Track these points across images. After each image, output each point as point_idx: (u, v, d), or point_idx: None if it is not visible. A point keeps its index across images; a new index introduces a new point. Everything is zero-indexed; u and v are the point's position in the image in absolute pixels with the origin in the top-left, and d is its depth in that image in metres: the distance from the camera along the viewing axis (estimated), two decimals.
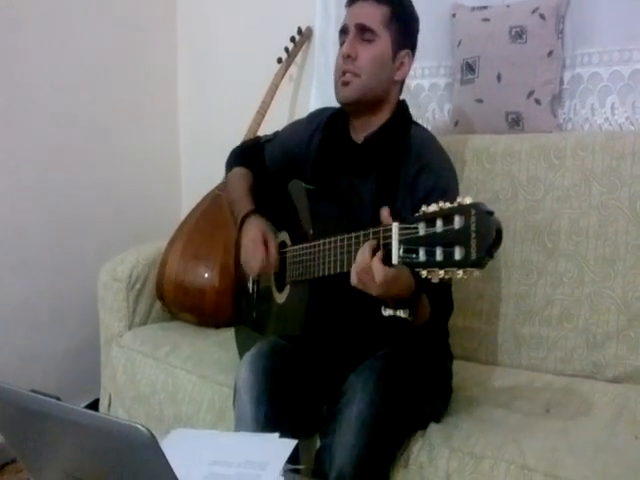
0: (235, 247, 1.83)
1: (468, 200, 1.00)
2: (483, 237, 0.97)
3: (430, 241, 1.05)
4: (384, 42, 1.60)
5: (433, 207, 1.06)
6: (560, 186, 1.89)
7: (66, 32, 2.55)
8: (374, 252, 1.20)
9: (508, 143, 2.00)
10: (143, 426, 0.85)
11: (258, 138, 2.00)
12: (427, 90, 2.34)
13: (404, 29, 1.64)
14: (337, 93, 1.64)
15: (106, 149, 2.75)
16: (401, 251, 1.11)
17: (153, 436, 0.85)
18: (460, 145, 2.05)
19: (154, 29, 2.96)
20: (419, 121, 1.84)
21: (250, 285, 1.89)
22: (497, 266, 1.95)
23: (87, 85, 2.65)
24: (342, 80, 1.61)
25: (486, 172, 2.01)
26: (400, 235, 1.12)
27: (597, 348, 1.82)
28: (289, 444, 1.30)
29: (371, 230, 1.23)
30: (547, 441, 1.45)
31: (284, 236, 1.72)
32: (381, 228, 1.20)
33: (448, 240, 1.01)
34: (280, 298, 1.69)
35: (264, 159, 1.89)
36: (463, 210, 1.00)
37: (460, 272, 1.01)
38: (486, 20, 2.10)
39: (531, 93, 2.03)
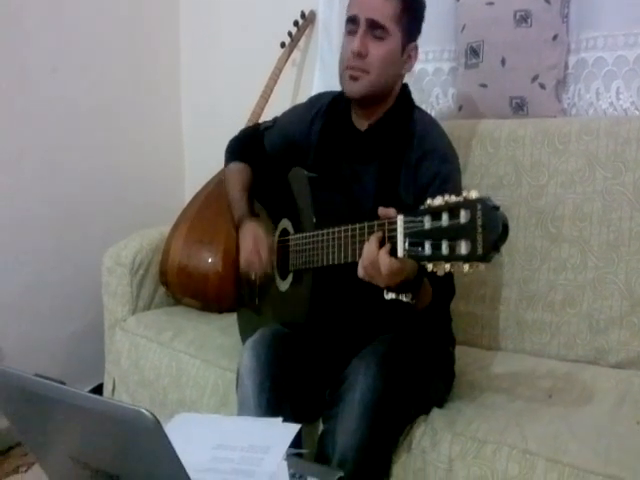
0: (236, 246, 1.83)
1: (474, 194, 1.00)
2: (490, 231, 0.97)
3: (436, 234, 1.04)
4: (395, 39, 1.56)
5: (439, 200, 1.05)
6: (564, 171, 1.89)
7: (68, 17, 2.54)
8: (380, 244, 1.20)
9: (512, 128, 1.99)
10: (147, 410, 0.85)
11: (257, 125, 1.99)
12: (431, 74, 2.33)
13: (414, 22, 1.60)
14: (344, 86, 1.62)
15: (109, 134, 2.75)
16: (406, 244, 1.11)
17: (157, 420, 0.85)
18: (464, 130, 2.04)
19: (156, 13, 2.95)
20: (423, 106, 1.83)
21: (253, 277, 1.88)
22: (500, 251, 1.94)
23: (89, 70, 2.64)
24: (350, 74, 1.58)
25: (490, 157, 2.00)
26: (405, 228, 1.12)
27: (600, 334, 1.82)
28: (292, 428, 1.30)
29: (376, 222, 1.23)
30: (549, 426, 1.46)
31: (286, 223, 1.72)
32: (386, 220, 1.19)
33: (454, 234, 1.01)
34: (283, 286, 1.69)
35: (264, 147, 1.88)
36: (469, 204, 0.99)
37: (466, 266, 1.01)
38: (490, 4, 2.09)
39: (535, 77, 2.02)
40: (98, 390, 2.48)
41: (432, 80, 2.33)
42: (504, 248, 1.94)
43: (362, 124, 1.67)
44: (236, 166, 1.90)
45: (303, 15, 2.59)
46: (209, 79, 2.98)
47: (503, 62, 2.06)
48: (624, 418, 1.50)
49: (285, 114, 1.91)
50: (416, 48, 1.63)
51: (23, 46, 2.41)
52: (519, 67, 2.04)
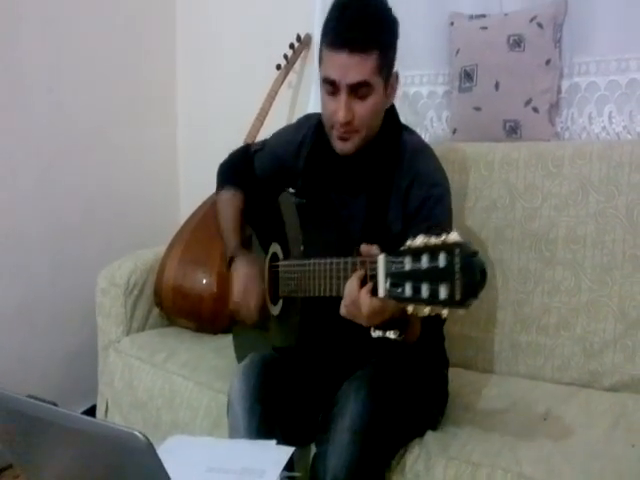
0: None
1: (453, 237, 0.99)
2: (467, 278, 0.97)
3: (416, 276, 1.04)
4: (378, 88, 1.49)
5: (419, 240, 1.05)
6: (558, 194, 1.90)
7: (64, 38, 2.55)
8: (362, 283, 1.20)
9: (506, 151, 2.00)
10: (140, 432, 0.85)
11: (247, 147, 1.98)
12: (425, 98, 2.34)
13: (392, 57, 1.53)
14: (334, 145, 1.56)
15: (104, 155, 2.75)
16: (388, 284, 1.11)
17: (150, 442, 0.85)
18: (458, 153, 2.06)
19: (153, 35, 2.97)
20: (417, 129, 1.84)
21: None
22: (494, 274, 1.95)
23: (86, 91, 2.65)
24: (339, 136, 1.53)
25: (484, 180, 2.01)
26: (387, 268, 1.11)
27: (594, 357, 1.82)
28: (286, 451, 1.30)
29: (358, 259, 1.23)
30: (544, 449, 1.45)
31: (276, 248, 1.72)
32: (368, 259, 1.20)
33: (434, 277, 1.01)
34: (274, 310, 1.69)
35: (254, 169, 1.87)
36: (448, 248, 0.99)
37: (445, 311, 1.01)
38: (484, 28, 2.11)
39: (529, 101, 2.04)
40: (91, 411, 2.46)
41: (426, 103, 2.34)
42: (498, 270, 1.96)
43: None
44: (227, 193, 1.88)
45: (299, 38, 2.61)
46: (205, 100, 2.99)
47: (497, 86, 2.08)
48: (618, 441, 1.50)
49: (274, 136, 1.89)
50: (397, 75, 1.57)
51: (19, 67, 2.42)
52: (513, 91, 2.06)
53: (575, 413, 1.65)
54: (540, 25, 2.00)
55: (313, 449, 1.52)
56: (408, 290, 1.05)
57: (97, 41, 2.67)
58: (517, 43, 2.04)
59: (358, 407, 1.40)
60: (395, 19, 1.52)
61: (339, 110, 1.48)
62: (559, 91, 2.06)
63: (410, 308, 1.06)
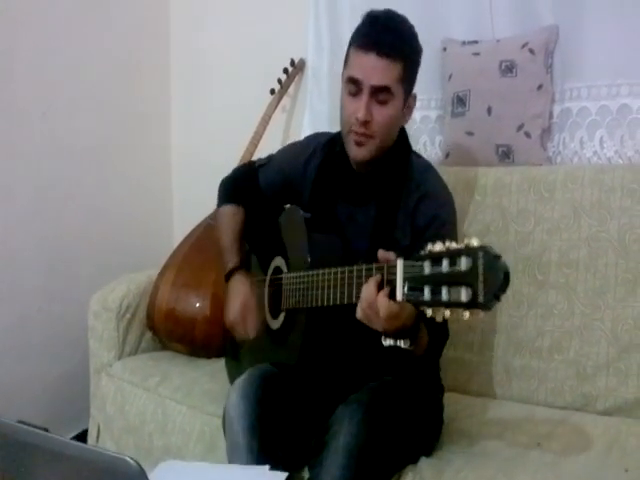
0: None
1: (475, 241, 1.01)
2: (491, 280, 0.98)
3: (435, 280, 1.05)
4: (398, 99, 1.54)
5: (439, 246, 1.06)
6: (550, 218, 1.91)
7: (59, 62, 2.57)
8: (379, 287, 1.21)
9: (498, 175, 2.02)
10: (131, 458, 0.84)
11: (252, 163, 1.98)
12: (419, 122, 2.36)
13: (414, 74, 1.59)
14: (349, 150, 1.59)
15: (98, 178, 2.76)
16: (406, 288, 1.12)
17: (142, 469, 0.85)
18: (451, 177, 2.05)
19: (147, 60, 2.99)
20: None
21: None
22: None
23: (80, 114, 2.66)
24: (355, 140, 1.55)
25: (477, 204, 2.02)
26: (405, 272, 1.13)
27: (587, 380, 1.82)
28: (279, 477, 1.29)
29: (375, 265, 1.24)
30: (538, 474, 1.45)
31: (279, 262, 1.72)
32: (385, 264, 1.21)
33: (454, 280, 1.02)
34: (274, 324, 1.68)
35: (259, 184, 1.87)
36: (471, 252, 1.00)
37: (467, 313, 1.01)
38: (476, 54, 2.13)
39: (521, 126, 2.05)
40: (83, 436, 2.45)
41: (420, 128, 2.36)
42: None
43: (359, 166, 1.64)
44: (228, 210, 1.89)
45: (293, 63, 2.63)
46: (199, 124, 3.01)
47: (489, 111, 2.09)
48: (612, 465, 1.50)
49: (281, 151, 1.90)
50: (415, 97, 1.63)
51: (14, 91, 2.43)
52: (505, 116, 2.08)
53: (569, 437, 1.65)
54: (532, 51, 2.03)
55: (306, 474, 1.51)
56: (427, 293, 1.06)
57: (90, 65, 2.69)
58: (509, 69, 2.06)
59: (352, 429, 1.40)
60: (421, 48, 1.58)
61: (359, 109, 1.52)
62: (551, 116, 2.07)
63: (429, 311, 1.07)
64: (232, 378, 1.93)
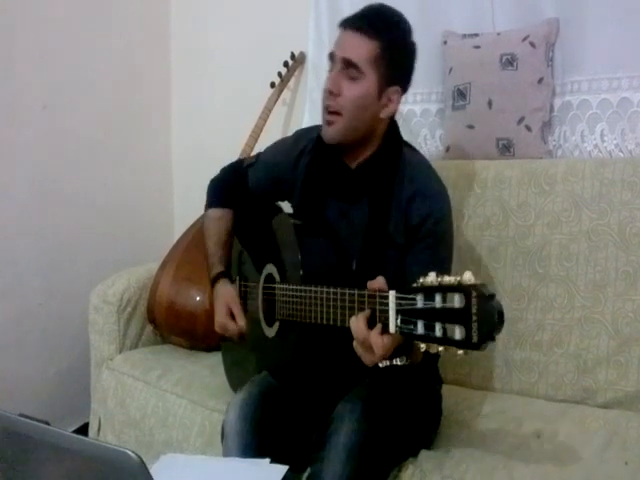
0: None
1: (468, 277, 1.00)
2: (485, 321, 0.97)
3: (429, 315, 1.04)
4: (369, 81, 1.52)
5: (431, 278, 1.05)
6: (550, 212, 1.91)
7: (59, 55, 2.57)
8: (369, 322, 1.20)
9: (499, 169, 2.01)
10: (132, 452, 0.85)
11: (240, 162, 1.96)
12: (419, 116, 2.36)
13: (394, 66, 1.54)
14: (321, 131, 1.60)
15: (98, 172, 2.76)
16: (399, 320, 1.11)
17: (142, 462, 0.85)
18: (451, 170, 2.06)
19: (148, 53, 2.98)
20: None
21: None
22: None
23: (80, 107, 2.66)
24: (326, 119, 1.56)
25: (477, 197, 2.02)
26: (397, 304, 1.12)
27: (587, 373, 1.82)
28: (280, 470, 1.29)
29: (366, 292, 1.23)
30: (538, 467, 1.45)
31: (272, 269, 1.69)
32: (377, 293, 1.19)
33: (447, 317, 1.01)
34: (270, 332, 1.67)
35: (247, 184, 1.84)
36: (464, 290, 0.99)
37: (461, 352, 1.01)
38: (477, 47, 2.13)
39: (521, 119, 2.05)
40: (84, 429, 2.45)
41: (420, 121, 2.36)
42: (491, 286, 1.96)
43: (350, 163, 1.64)
44: (214, 213, 1.87)
45: (293, 56, 2.63)
46: (199, 118, 3.01)
47: (490, 104, 2.09)
48: (612, 459, 1.50)
49: (269, 149, 1.87)
50: (398, 92, 1.58)
51: (14, 84, 2.43)
52: (505, 109, 2.07)
53: (569, 430, 1.65)
54: (532, 44, 2.02)
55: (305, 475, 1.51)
56: (420, 327, 1.05)
57: (91, 58, 2.69)
58: (510, 62, 2.05)
59: (353, 425, 1.40)
60: (410, 44, 1.57)
61: (328, 82, 1.54)
62: (551, 109, 2.07)
63: (422, 345, 1.06)
64: (229, 376, 1.95)
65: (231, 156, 2.48)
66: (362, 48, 1.51)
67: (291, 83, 2.70)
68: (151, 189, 3.03)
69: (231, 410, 1.56)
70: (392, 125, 1.65)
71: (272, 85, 2.61)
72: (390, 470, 1.51)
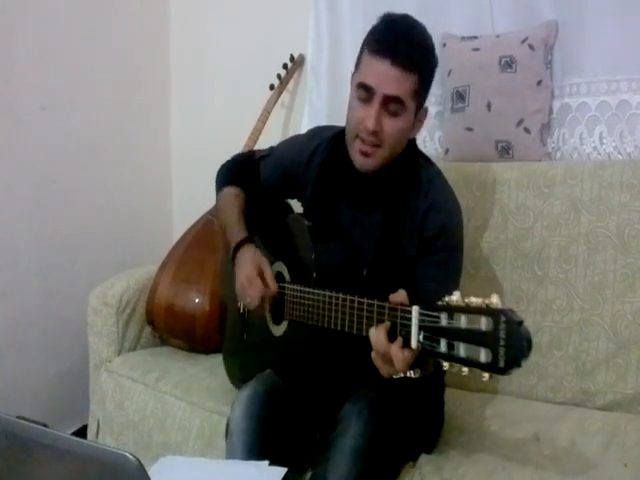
0: (223, 273, 1.77)
1: (495, 301, 0.99)
2: (513, 347, 0.96)
3: (452, 334, 1.03)
4: (409, 112, 1.48)
5: (456, 297, 1.04)
6: (549, 214, 1.91)
7: (58, 57, 2.56)
8: (390, 336, 1.19)
9: (498, 171, 2.01)
10: (131, 454, 0.84)
11: (252, 153, 1.92)
12: None
13: (428, 89, 1.53)
14: (355, 159, 1.53)
15: (98, 174, 2.75)
16: (421, 337, 1.10)
17: (141, 464, 0.84)
18: (450, 173, 2.04)
19: (147, 55, 2.99)
20: None
21: (241, 310, 1.86)
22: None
23: (79, 108, 2.65)
24: (361, 149, 1.50)
25: (476, 200, 2.02)
26: (420, 320, 1.11)
27: (587, 376, 1.82)
28: (279, 472, 1.29)
29: (387, 305, 1.22)
30: (537, 470, 1.45)
31: (281, 267, 1.67)
32: (399, 307, 1.18)
33: (472, 339, 1.00)
34: (277, 331, 1.66)
35: (259, 176, 1.80)
36: (492, 314, 0.98)
37: (486, 375, 1.00)
38: (476, 50, 2.13)
39: (520, 122, 2.05)
40: (82, 431, 2.45)
41: None
42: (491, 290, 1.95)
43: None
44: (231, 191, 1.79)
45: (292, 58, 2.63)
46: (198, 121, 3.01)
47: (489, 106, 2.09)
48: (611, 461, 1.50)
49: (282, 144, 1.84)
50: (426, 111, 1.57)
51: (13, 86, 2.43)
52: (504, 111, 2.08)
53: (568, 433, 1.65)
54: (531, 47, 2.02)
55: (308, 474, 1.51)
56: (443, 346, 1.05)
57: (90, 59, 2.68)
58: (509, 64, 2.05)
59: (361, 427, 1.40)
60: (437, 58, 1.53)
61: (369, 118, 1.45)
62: (550, 112, 2.07)
63: (445, 364, 1.06)
64: (230, 374, 1.95)
65: (229, 157, 2.49)
66: (406, 83, 1.44)
67: (290, 85, 2.70)
68: (150, 191, 3.03)
69: (237, 408, 1.55)
70: (411, 140, 1.63)
71: (271, 87, 2.61)
72: (396, 473, 1.50)
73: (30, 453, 0.98)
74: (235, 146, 2.54)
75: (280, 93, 2.64)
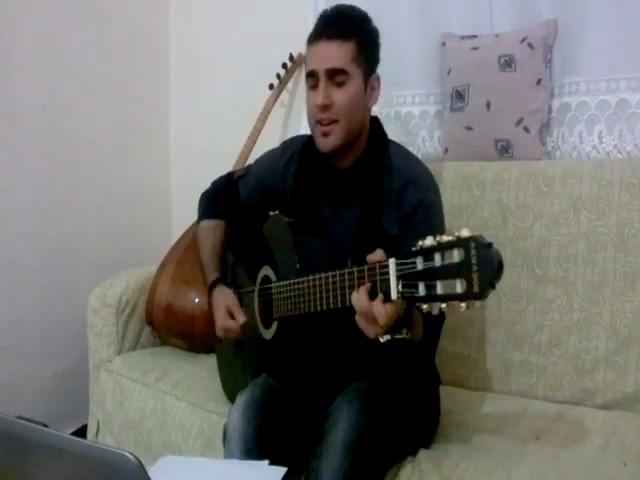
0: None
1: (465, 232, 1.00)
2: (485, 269, 0.97)
3: (429, 275, 1.04)
4: (357, 79, 1.54)
5: (429, 241, 1.05)
6: (549, 213, 1.91)
7: (58, 57, 2.57)
8: (370, 294, 1.20)
9: (497, 170, 2.01)
10: (131, 454, 0.84)
11: (230, 174, 1.98)
12: (417, 117, 2.36)
13: (371, 56, 1.58)
14: (318, 143, 1.59)
15: (97, 174, 2.76)
16: (400, 286, 1.11)
17: (141, 464, 0.84)
18: (450, 172, 2.07)
19: (146, 55, 2.99)
20: (410, 148, 1.85)
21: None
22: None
23: (78, 109, 2.66)
24: (321, 131, 1.56)
25: (476, 199, 2.02)
26: (398, 270, 1.11)
27: (586, 374, 1.82)
28: (279, 471, 1.29)
29: (366, 267, 1.22)
30: (537, 468, 1.45)
31: (267, 271, 1.70)
32: (377, 264, 1.19)
33: (448, 273, 1.01)
34: (268, 334, 1.66)
35: (239, 196, 1.87)
36: (462, 243, 0.99)
37: (463, 305, 1.00)
38: (475, 49, 2.13)
39: (520, 121, 2.05)
40: (82, 431, 2.45)
41: (418, 123, 2.36)
42: (489, 290, 1.95)
43: (340, 164, 1.64)
44: (207, 224, 1.91)
45: (291, 58, 2.63)
46: (198, 120, 3.01)
47: (488, 106, 2.09)
48: (611, 459, 1.50)
49: (258, 161, 1.90)
50: (378, 78, 1.61)
51: (13, 86, 2.43)
52: (504, 110, 2.08)
53: (567, 431, 1.65)
54: (531, 46, 2.02)
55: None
56: (422, 289, 1.05)
57: (89, 60, 2.68)
58: (508, 63, 2.05)
59: (351, 419, 1.40)
60: (375, 28, 1.59)
61: (318, 96, 1.53)
62: (550, 111, 2.07)
63: (425, 307, 1.06)
64: (225, 383, 1.95)
65: (229, 157, 2.49)
66: (343, 52, 1.52)
67: (289, 85, 2.70)
68: (149, 191, 3.03)
69: (234, 412, 1.56)
70: (375, 123, 1.68)
71: (271, 87, 2.61)
72: (388, 467, 1.50)
73: (30, 453, 0.98)
74: (235, 146, 2.55)
75: (279, 93, 2.64)
